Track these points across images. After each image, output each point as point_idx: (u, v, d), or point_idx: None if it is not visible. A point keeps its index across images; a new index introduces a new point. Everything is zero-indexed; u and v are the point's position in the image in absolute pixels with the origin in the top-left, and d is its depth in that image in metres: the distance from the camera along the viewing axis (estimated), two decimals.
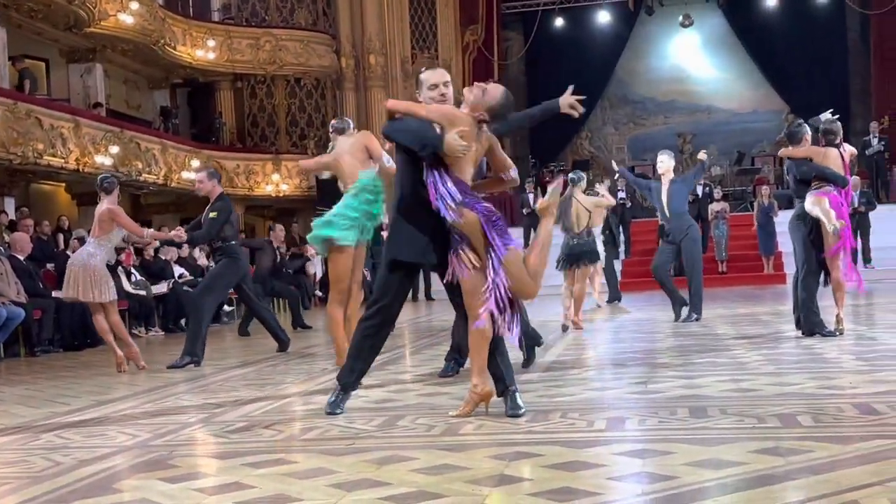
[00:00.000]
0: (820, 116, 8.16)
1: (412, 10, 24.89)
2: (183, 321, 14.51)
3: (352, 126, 7.40)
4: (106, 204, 8.42)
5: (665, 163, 10.07)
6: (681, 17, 27.39)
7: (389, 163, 6.69)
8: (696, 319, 9.89)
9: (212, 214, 8.76)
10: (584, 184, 10.33)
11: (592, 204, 10.11)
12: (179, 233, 9.04)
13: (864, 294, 7.89)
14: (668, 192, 9.90)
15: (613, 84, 28.70)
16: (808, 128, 7.95)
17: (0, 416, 5.94)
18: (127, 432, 4.98)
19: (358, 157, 6.91)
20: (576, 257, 9.90)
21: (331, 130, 7.30)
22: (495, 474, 3.53)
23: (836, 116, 8.19)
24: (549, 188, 4.91)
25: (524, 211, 19.76)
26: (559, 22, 27.22)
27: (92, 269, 8.37)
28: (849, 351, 6.80)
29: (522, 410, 4.71)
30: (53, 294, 12.05)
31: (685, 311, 10.03)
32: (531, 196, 19.70)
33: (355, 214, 6.77)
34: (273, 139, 23.87)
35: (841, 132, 7.99)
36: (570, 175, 10.60)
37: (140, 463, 4.18)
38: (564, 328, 9.62)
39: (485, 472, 3.57)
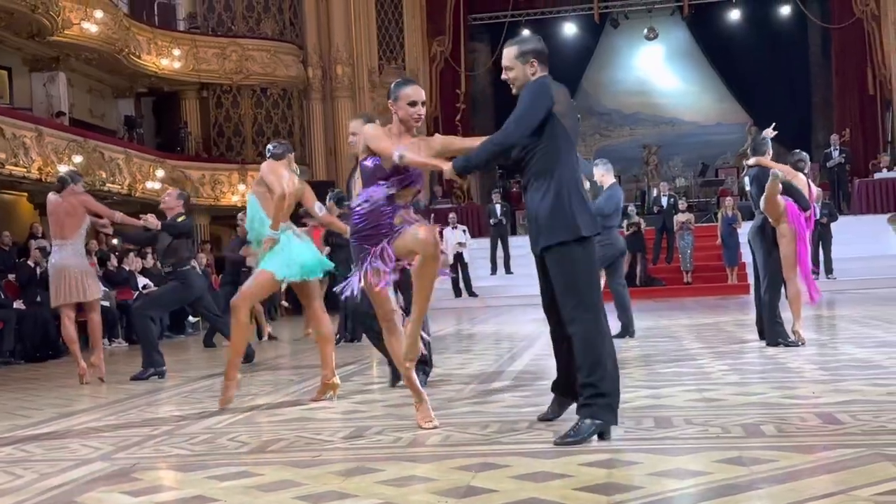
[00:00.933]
0: (763, 133, 8.36)
1: (379, 20, 24.92)
2: None
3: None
4: (80, 196, 8.33)
5: (595, 174, 9.65)
6: (646, 30, 27.62)
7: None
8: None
9: (181, 218, 8.70)
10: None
11: None
12: (149, 217, 8.62)
13: (815, 304, 8.05)
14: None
15: (579, 96, 28.83)
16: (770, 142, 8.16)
17: None
18: (90, 445, 4.93)
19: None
20: None
21: (269, 155, 6.90)
22: (462, 485, 3.53)
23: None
24: None
25: (491, 221, 19.83)
26: (525, 34, 27.26)
27: (82, 267, 8.32)
28: (811, 361, 6.87)
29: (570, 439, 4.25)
30: (15, 305, 11.91)
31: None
32: (498, 207, 19.79)
33: None
34: (239, 149, 23.74)
35: (809, 163, 8.41)
36: None
37: (103, 476, 4.13)
38: None
39: (451, 484, 3.57)
